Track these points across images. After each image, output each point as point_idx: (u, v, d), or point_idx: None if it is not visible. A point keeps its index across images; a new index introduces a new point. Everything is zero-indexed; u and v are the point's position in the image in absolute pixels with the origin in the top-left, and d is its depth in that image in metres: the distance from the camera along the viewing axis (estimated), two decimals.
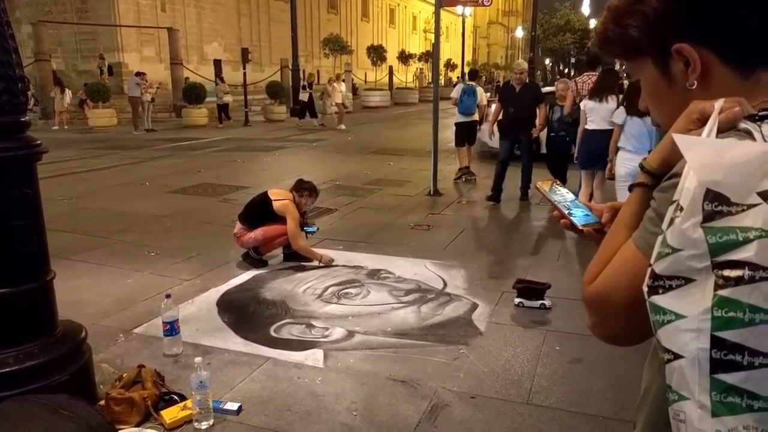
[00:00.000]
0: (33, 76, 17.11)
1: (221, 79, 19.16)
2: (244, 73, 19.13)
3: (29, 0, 26.57)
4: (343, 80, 20.65)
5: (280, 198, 4.86)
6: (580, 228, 0.95)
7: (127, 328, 3.59)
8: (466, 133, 8.57)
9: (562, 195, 1.03)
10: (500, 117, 7.34)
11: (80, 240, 5.49)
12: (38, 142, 2.41)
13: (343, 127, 17.00)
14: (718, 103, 0.69)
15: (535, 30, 19.07)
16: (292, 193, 4.95)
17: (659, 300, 0.63)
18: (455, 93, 8.65)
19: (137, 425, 2.55)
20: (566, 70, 33.16)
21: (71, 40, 26.70)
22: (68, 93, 17.62)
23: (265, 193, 4.98)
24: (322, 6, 42.43)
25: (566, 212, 0.98)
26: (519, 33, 50.11)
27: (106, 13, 25.73)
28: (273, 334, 3.54)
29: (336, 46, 27.98)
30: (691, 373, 0.60)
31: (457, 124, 8.66)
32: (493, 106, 8.02)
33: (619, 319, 0.75)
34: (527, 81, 7.23)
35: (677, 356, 0.61)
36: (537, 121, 7.12)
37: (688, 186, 0.61)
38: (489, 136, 8.21)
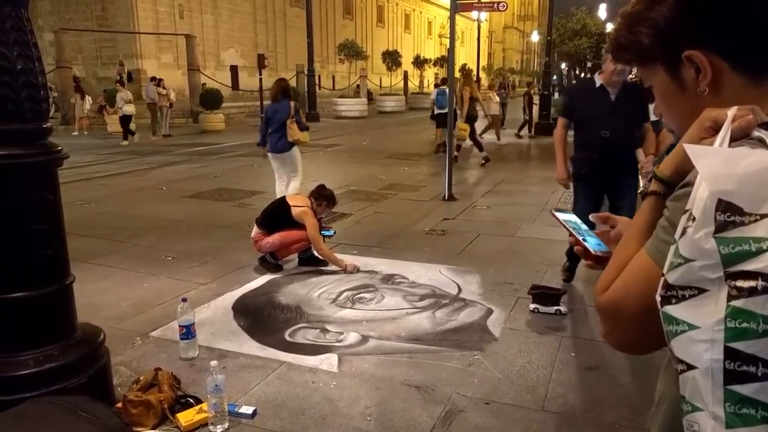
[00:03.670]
0: (54, 83, 17.43)
1: (121, 84, 16.25)
2: (260, 79, 19.30)
3: (51, 8, 27.15)
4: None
5: (299, 204, 4.87)
6: (594, 254, 0.98)
7: (144, 331, 3.64)
8: (442, 120, 11.51)
9: (577, 224, 1.07)
10: (574, 145, 4.21)
11: (98, 244, 5.57)
12: (59, 147, 2.45)
13: (501, 141, 14.79)
14: (731, 111, 0.69)
15: (550, 34, 18.94)
16: (310, 200, 4.97)
17: (672, 310, 0.63)
18: (432, 96, 13.48)
19: (154, 428, 2.58)
20: (582, 75, 32.92)
21: (91, 47, 27.20)
22: (88, 99, 17.93)
23: (284, 198, 5.00)
24: (338, 12, 42.70)
25: (581, 239, 1.02)
26: (535, 37, 49.94)
27: (125, 20, 26.18)
28: (288, 338, 3.56)
29: (351, 51, 28.12)
30: (704, 384, 0.59)
31: (436, 115, 12.89)
32: (558, 124, 4.33)
33: (631, 327, 0.75)
34: (630, 81, 4.20)
35: (690, 367, 0.61)
36: (645, 151, 4.03)
37: (700, 196, 0.61)
38: (565, 183, 4.28)
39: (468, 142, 14.48)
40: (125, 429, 2.28)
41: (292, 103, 6.36)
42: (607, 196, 3.99)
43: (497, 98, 15.57)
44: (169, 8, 28.06)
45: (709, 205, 0.60)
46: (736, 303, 0.58)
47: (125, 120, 15.10)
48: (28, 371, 2.34)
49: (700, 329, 0.60)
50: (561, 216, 1.09)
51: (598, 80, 3.97)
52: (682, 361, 0.62)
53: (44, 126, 2.40)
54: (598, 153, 3.91)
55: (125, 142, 14.81)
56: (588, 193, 4.05)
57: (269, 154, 6.50)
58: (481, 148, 11.65)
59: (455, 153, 10.77)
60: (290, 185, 6.45)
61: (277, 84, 6.53)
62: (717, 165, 0.61)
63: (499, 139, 14.98)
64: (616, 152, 3.86)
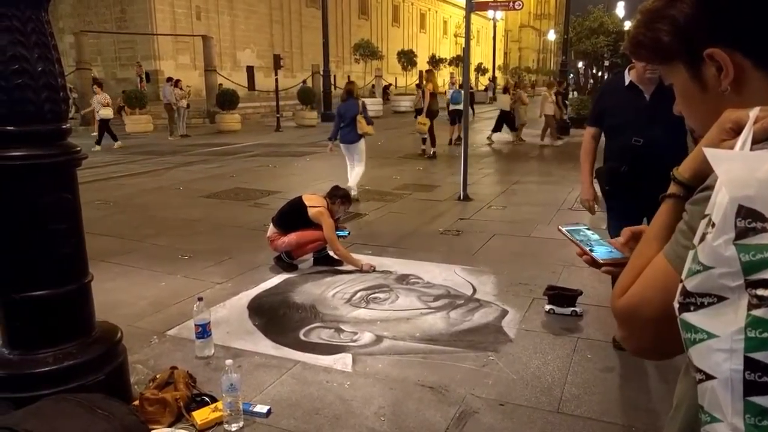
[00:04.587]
0: (74, 84, 17.68)
1: (99, 85, 15.10)
2: (276, 80, 19.40)
3: (71, 11, 27.61)
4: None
5: (315, 205, 4.89)
6: (601, 263, 0.98)
7: (161, 330, 3.67)
8: (457, 116, 13.09)
9: (585, 235, 1.07)
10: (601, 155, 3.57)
11: (116, 243, 5.63)
12: (78, 148, 2.49)
13: (558, 143, 14.17)
14: (753, 112, 0.67)
15: (567, 33, 18.80)
16: (326, 200, 4.98)
17: (690, 318, 0.61)
18: (449, 93, 14.56)
19: (169, 425, 2.60)
20: (600, 74, 32.56)
21: (110, 48, 27.61)
22: None
23: (300, 198, 5.02)
24: (353, 12, 42.79)
25: (587, 249, 1.02)
26: (551, 36, 49.56)
27: (143, 22, 26.53)
28: (302, 337, 3.57)
29: (367, 51, 28.18)
30: (723, 395, 0.58)
31: (451, 111, 14.02)
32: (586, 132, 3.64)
33: (649, 332, 0.74)
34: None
35: (709, 377, 0.59)
36: None
37: (720, 201, 0.60)
38: (590, 206, 3.59)
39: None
40: (141, 426, 2.30)
41: (360, 101, 7.81)
42: (646, 218, 2.82)
43: (553, 97, 14.54)
44: (187, 10, 28.36)
45: (729, 211, 0.58)
46: (756, 312, 0.56)
47: (103, 124, 14.12)
48: (47, 368, 2.37)
49: (720, 338, 0.58)
50: (567, 230, 1.10)
51: (628, 77, 3.22)
52: (700, 371, 0.60)
53: (63, 127, 2.43)
54: (628, 165, 3.19)
55: (97, 148, 13.46)
56: (621, 213, 3.23)
57: (341, 145, 7.75)
58: (433, 144, 12.36)
59: (423, 147, 12.54)
60: (354, 170, 7.77)
61: (345, 86, 8.04)
62: (737, 169, 0.59)
63: (554, 141, 14.22)
64: (652, 164, 2.76)
